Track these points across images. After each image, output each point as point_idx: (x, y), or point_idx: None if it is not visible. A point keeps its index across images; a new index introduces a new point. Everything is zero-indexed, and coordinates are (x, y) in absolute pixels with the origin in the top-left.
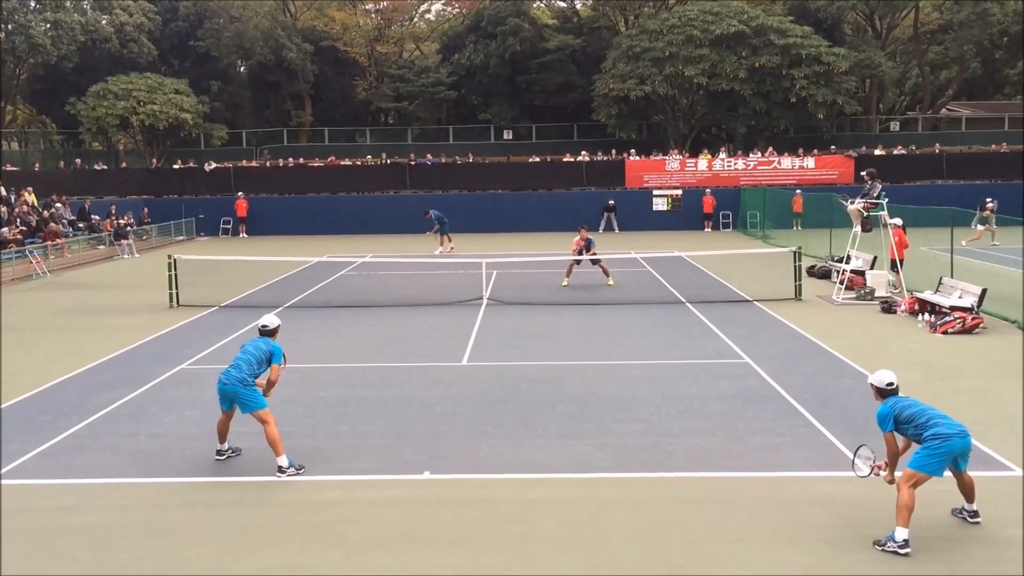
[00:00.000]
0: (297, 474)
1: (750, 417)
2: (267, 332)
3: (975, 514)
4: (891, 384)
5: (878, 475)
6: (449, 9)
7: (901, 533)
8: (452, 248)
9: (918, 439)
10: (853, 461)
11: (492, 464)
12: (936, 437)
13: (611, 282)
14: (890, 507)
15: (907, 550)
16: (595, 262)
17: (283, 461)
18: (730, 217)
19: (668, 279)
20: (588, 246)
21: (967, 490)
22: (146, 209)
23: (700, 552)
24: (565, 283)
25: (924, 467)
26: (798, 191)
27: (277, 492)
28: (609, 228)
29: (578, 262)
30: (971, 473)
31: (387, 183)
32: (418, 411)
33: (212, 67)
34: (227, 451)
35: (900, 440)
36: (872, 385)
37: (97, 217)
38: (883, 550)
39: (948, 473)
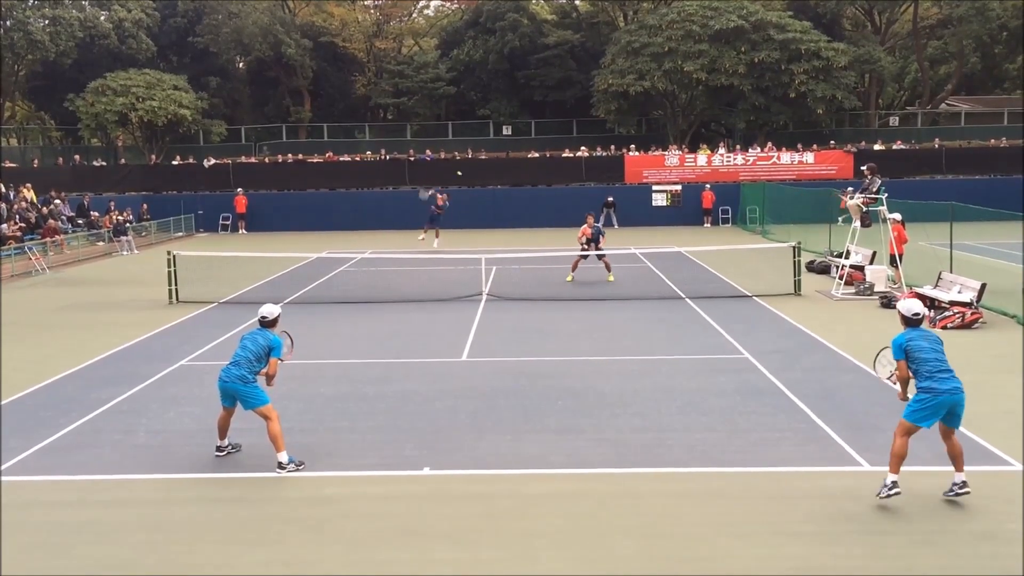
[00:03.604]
0: (297, 470)
1: (749, 412)
2: (266, 323)
3: (964, 484)
4: (916, 315)
5: (894, 384)
6: (448, 5)
7: (890, 477)
8: (435, 244)
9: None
10: (875, 362)
11: (492, 459)
12: (928, 391)
13: (611, 278)
14: (888, 501)
15: (896, 490)
16: (600, 256)
17: (283, 457)
18: (729, 212)
19: (667, 275)
20: (596, 237)
21: (954, 456)
22: (145, 205)
23: (700, 546)
24: (570, 278)
25: (914, 419)
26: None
27: (277, 488)
28: (608, 224)
29: (584, 257)
30: (972, 468)
31: (386, 179)
32: (418, 407)
33: (211, 63)
34: (227, 447)
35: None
36: (899, 311)
37: (96, 213)
38: (881, 497)
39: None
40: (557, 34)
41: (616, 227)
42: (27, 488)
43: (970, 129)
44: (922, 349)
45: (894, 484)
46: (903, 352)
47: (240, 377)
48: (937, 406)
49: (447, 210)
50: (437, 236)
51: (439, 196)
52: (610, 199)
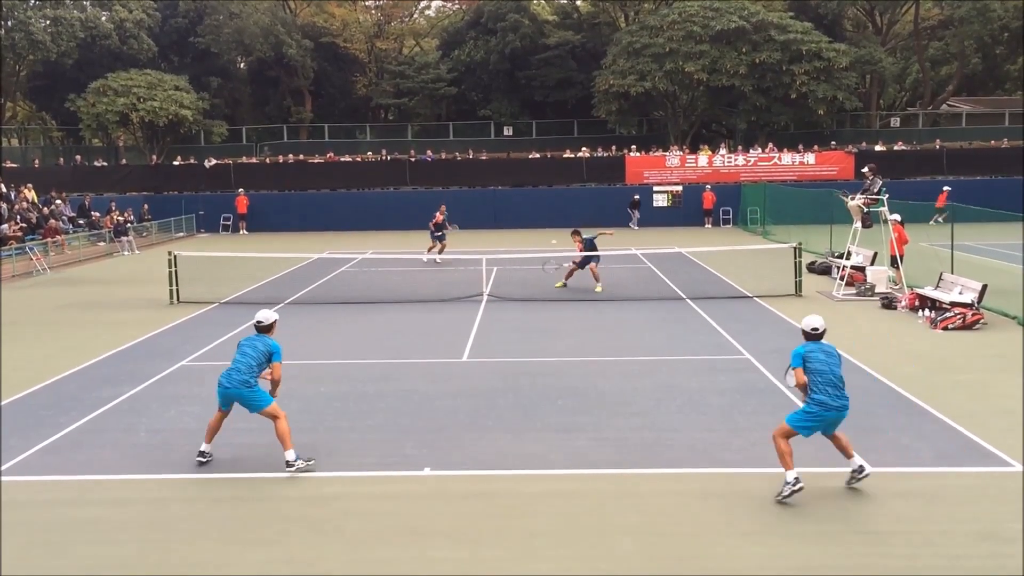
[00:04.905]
0: (306, 467)
1: (750, 412)
2: (263, 328)
3: (860, 469)
4: (816, 330)
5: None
6: (449, 5)
7: (790, 475)
8: (429, 254)
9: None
10: (785, 374)
11: (493, 459)
12: (820, 404)
13: (599, 288)
14: (889, 501)
15: (800, 484)
16: (586, 263)
17: (290, 455)
18: (730, 213)
19: (668, 275)
20: (590, 247)
21: (842, 447)
22: (146, 206)
23: (700, 546)
24: (560, 284)
25: (797, 426)
26: (945, 187)
27: (278, 487)
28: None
29: (580, 267)
30: (972, 468)
31: (387, 179)
32: (419, 406)
33: (212, 63)
34: (209, 455)
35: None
36: (801, 329)
37: (97, 214)
38: (784, 499)
39: (951, 468)
40: (558, 34)
41: (636, 228)
42: (27, 487)
43: (971, 130)
44: (818, 360)
45: (796, 480)
46: (801, 360)
47: (243, 382)
48: (824, 420)
49: (447, 226)
50: (436, 250)
51: (437, 214)
52: (636, 197)
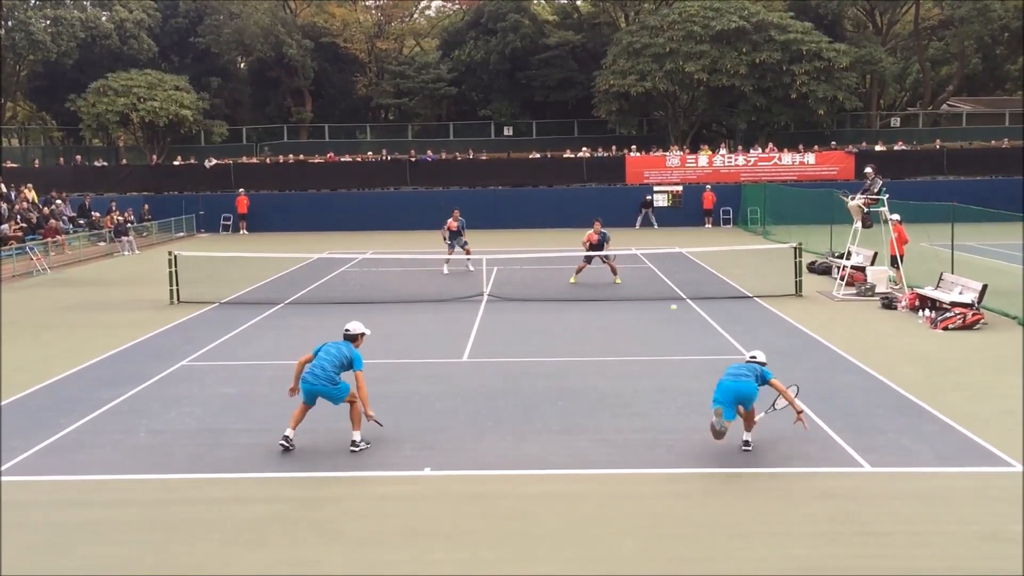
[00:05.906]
0: (365, 448)
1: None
2: (348, 337)
3: (747, 443)
4: (753, 357)
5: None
6: (449, 5)
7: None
8: (467, 257)
9: None
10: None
11: (493, 460)
12: (720, 382)
13: (618, 280)
14: (888, 502)
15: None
16: (604, 259)
17: (357, 436)
18: (730, 213)
19: (669, 275)
20: (601, 243)
21: (746, 421)
22: (146, 206)
23: (701, 547)
24: (573, 280)
25: (715, 400)
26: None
27: (278, 488)
28: (647, 223)
29: (589, 260)
30: (972, 468)
31: (387, 179)
32: (419, 407)
33: (212, 63)
34: (292, 441)
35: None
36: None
37: (97, 214)
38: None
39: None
40: (558, 35)
41: (637, 228)
42: (28, 488)
43: (971, 130)
44: (723, 380)
45: (746, 442)
46: (717, 401)
47: (328, 379)
48: (724, 389)
49: (462, 232)
50: (447, 256)
51: (451, 221)
52: (648, 198)
